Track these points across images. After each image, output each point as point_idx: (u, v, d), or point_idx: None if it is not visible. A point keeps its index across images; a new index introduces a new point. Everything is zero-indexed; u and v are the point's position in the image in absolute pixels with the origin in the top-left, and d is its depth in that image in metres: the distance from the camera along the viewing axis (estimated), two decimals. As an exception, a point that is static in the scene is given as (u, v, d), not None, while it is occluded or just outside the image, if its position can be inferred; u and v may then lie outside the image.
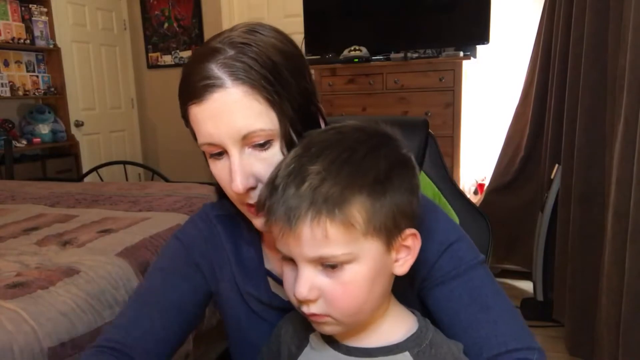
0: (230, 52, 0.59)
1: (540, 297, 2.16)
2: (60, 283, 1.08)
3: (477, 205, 1.40)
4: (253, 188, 0.61)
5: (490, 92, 2.97)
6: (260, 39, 0.60)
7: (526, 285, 2.45)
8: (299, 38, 3.04)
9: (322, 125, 0.69)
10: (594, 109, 1.75)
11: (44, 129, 3.52)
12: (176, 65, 4.16)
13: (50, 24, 3.59)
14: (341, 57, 2.83)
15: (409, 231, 0.55)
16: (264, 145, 0.60)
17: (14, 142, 3.19)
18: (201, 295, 0.75)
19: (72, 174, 3.60)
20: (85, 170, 3.58)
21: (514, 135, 2.53)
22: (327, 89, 2.86)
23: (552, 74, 2.12)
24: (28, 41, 3.44)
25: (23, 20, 3.43)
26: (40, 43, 3.52)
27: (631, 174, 1.40)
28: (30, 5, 3.45)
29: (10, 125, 3.38)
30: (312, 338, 0.61)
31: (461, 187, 2.58)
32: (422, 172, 1.05)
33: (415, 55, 2.74)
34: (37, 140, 3.45)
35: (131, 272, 1.22)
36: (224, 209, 0.75)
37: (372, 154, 0.53)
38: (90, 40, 3.98)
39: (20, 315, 0.95)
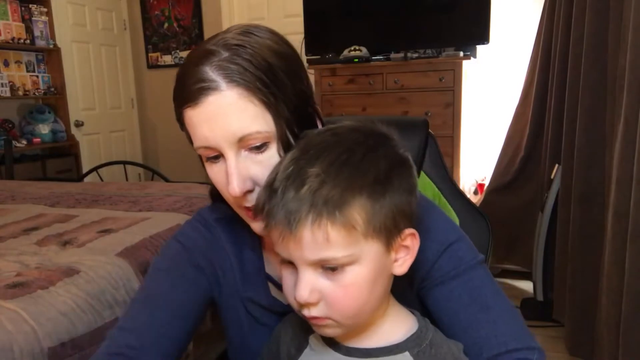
0: (225, 54, 0.58)
1: (540, 297, 2.16)
2: (60, 283, 1.08)
3: (477, 205, 1.40)
4: (250, 191, 0.61)
5: (490, 92, 2.97)
6: (255, 40, 0.60)
7: (526, 285, 2.45)
8: (299, 38, 3.04)
9: (319, 126, 0.68)
10: (594, 109, 1.75)
11: (44, 129, 3.52)
12: (176, 65, 4.16)
13: (50, 24, 3.59)
14: (341, 57, 2.83)
15: (408, 231, 0.55)
16: (260, 148, 0.60)
17: (14, 142, 3.19)
18: (205, 297, 0.73)
19: (72, 174, 3.60)
20: (85, 170, 3.58)
21: (514, 135, 2.53)
22: (327, 89, 2.86)
23: (552, 74, 2.12)
24: (28, 41, 3.44)
25: (23, 20, 3.43)
26: (40, 43, 3.52)
27: (631, 174, 1.40)
28: (30, 5, 3.45)
29: (10, 125, 3.38)
30: (312, 339, 0.61)
31: (461, 187, 2.58)
32: (422, 172, 1.05)
33: (415, 55, 2.74)
34: (37, 140, 3.45)
35: (131, 272, 1.22)
36: (222, 212, 0.74)
37: (370, 154, 0.53)
38: (90, 40, 3.98)
39: (20, 315, 0.95)
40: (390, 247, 0.54)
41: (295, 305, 0.55)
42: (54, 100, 3.68)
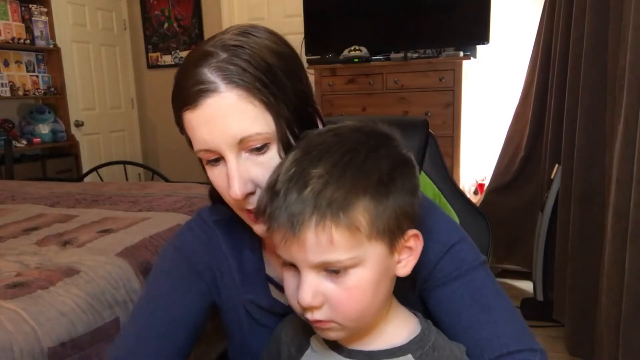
0: (223, 55, 0.57)
1: (540, 297, 2.16)
2: (60, 283, 1.08)
3: (477, 205, 1.40)
4: (252, 193, 0.60)
5: (490, 92, 2.97)
6: (254, 40, 0.59)
7: (526, 285, 2.45)
8: (299, 38, 3.04)
9: (320, 126, 0.67)
10: (594, 109, 1.75)
11: (44, 129, 3.52)
12: (176, 65, 4.16)
13: (50, 24, 3.59)
14: (341, 57, 2.83)
15: (411, 232, 0.54)
16: (261, 149, 0.59)
17: (14, 142, 3.19)
18: (205, 304, 0.73)
19: (72, 174, 3.60)
20: (85, 170, 3.58)
21: (514, 135, 2.53)
22: (327, 89, 2.86)
23: (552, 74, 2.12)
24: (28, 41, 3.44)
25: (23, 20, 3.43)
26: (40, 43, 3.52)
27: (631, 174, 1.40)
28: (30, 5, 3.45)
29: (10, 125, 3.38)
30: (313, 341, 0.61)
31: (461, 187, 2.58)
32: (422, 172, 1.05)
33: (415, 55, 2.74)
34: (37, 140, 3.45)
35: (131, 272, 1.22)
36: (221, 214, 0.73)
37: (373, 154, 0.52)
38: (90, 40, 3.98)
39: (20, 315, 0.95)
40: (394, 249, 0.53)
41: (297, 309, 0.54)
42: (54, 100, 3.68)
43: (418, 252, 0.56)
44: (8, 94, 3.32)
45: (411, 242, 0.55)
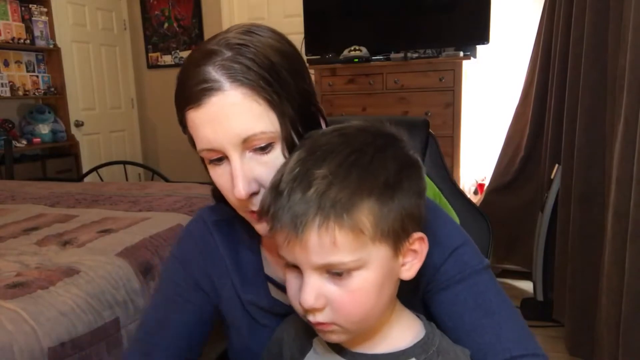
0: (227, 54, 0.57)
1: (540, 297, 2.16)
2: (60, 283, 1.08)
3: (477, 205, 1.40)
4: (255, 193, 0.59)
5: (490, 92, 2.97)
6: (257, 39, 0.59)
7: (526, 285, 2.45)
8: (299, 38, 3.04)
9: (323, 125, 0.67)
10: (594, 109, 1.75)
11: (44, 129, 3.52)
12: (176, 65, 4.16)
13: (50, 24, 3.59)
14: (341, 57, 2.83)
15: (417, 235, 0.54)
16: (265, 149, 0.58)
17: (14, 142, 3.19)
18: (207, 314, 0.75)
19: (72, 174, 3.60)
20: (85, 170, 3.58)
21: (514, 135, 2.53)
22: (327, 89, 2.86)
23: (552, 74, 2.12)
24: (28, 41, 3.44)
25: (23, 20, 3.43)
26: (40, 43, 3.52)
27: (631, 174, 1.40)
28: (30, 5, 3.45)
29: (10, 125, 3.38)
30: (316, 343, 0.60)
31: (461, 187, 2.58)
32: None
33: (415, 55, 2.74)
34: (37, 140, 3.45)
35: (131, 272, 1.22)
36: (222, 213, 0.73)
37: (379, 155, 0.51)
38: (90, 40, 3.98)
39: (20, 315, 0.95)
40: (398, 252, 0.52)
41: (299, 311, 0.53)
42: (54, 100, 3.68)
43: (423, 256, 0.55)
44: (8, 94, 3.32)
45: (416, 245, 0.54)
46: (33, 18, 3.47)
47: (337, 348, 0.57)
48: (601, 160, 1.72)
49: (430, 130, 1.10)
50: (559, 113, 2.02)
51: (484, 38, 2.71)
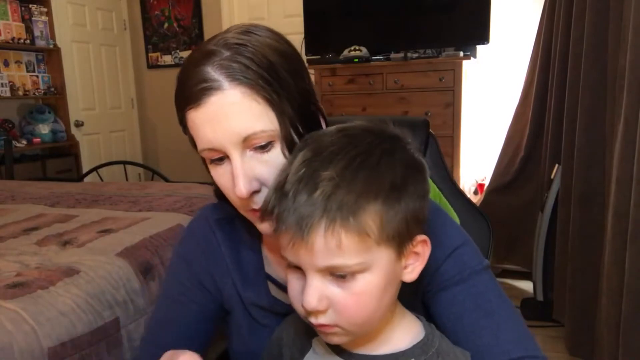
0: (226, 54, 0.57)
1: (540, 297, 2.16)
2: (60, 283, 1.08)
3: (477, 205, 1.40)
4: (257, 192, 0.60)
5: (490, 92, 2.97)
6: (256, 39, 0.59)
7: (526, 285, 2.45)
8: (299, 38, 3.04)
9: (323, 124, 0.67)
10: (594, 109, 1.75)
11: (44, 129, 3.52)
12: (176, 65, 4.17)
13: (50, 24, 3.59)
14: (341, 57, 2.83)
15: (420, 237, 0.54)
16: (265, 147, 0.59)
17: (14, 142, 3.19)
18: (211, 312, 0.75)
19: (72, 174, 3.60)
20: (85, 170, 3.58)
21: (514, 135, 2.54)
22: (327, 89, 2.86)
23: (552, 74, 2.12)
24: (28, 41, 3.44)
25: (23, 20, 3.43)
26: (40, 43, 3.52)
27: (631, 174, 1.40)
28: (30, 5, 3.45)
29: (10, 125, 3.38)
30: (316, 343, 0.60)
31: (461, 187, 2.58)
32: (423, 172, 1.04)
33: (415, 55, 2.74)
34: (37, 140, 3.45)
35: (131, 272, 1.22)
36: (224, 212, 0.73)
37: (386, 157, 0.51)
38: (90, 40, 3.98)
39: (20, 315, 0.95)
40: (402, 254, 0.52)
41: (301, 312, 0.53)
42: (54, 100, 3.68)
43: (425, 258, 0.55)
44: (8, 94, 3.32)
45: (419, 248, 0.54)
46: (33, 18, 3.47)
47: (336, 349, 0.57)
48: (601, 160, 1.72)
49: (430, 130, 1.10)
50: (559, 113, 2.02)
51: (484, 38, 2.71)
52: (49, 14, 3.57)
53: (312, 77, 2.74)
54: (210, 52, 0.58)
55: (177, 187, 2.07)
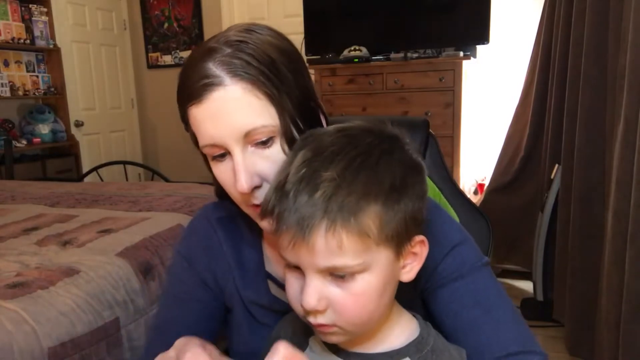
0: (227, 50, 0.58)
1: (540, 297, 2.16)
2: (60, 283, 1.08)
3: (477, 205, 1.40)
4: (258, 187, 0.60)
5: (490, 92, 2.97)
6: (257, 37, 0.60)
7: (526, 285, 2.45)
8: (299, 38, 3.04)
9: (323, 121, 0.68)
10: (594, 108, 1.75)
11: (44, 129, 3.52)
12: (176, 65, 4.17)
13: (50, 24, 3.59)
14: (341, 57, 2.83)
15: (418, 238, 0.54)
16: (266, 143, 0.59)
17: (14, 142, 3.19)
18: (215, 310, 0.75)
19: (72, 174, 3.60)
20: (85, 170, 3.58)
21: (514, 135, 2.54)
22: (327, 89, 2.86)
23: (552, 74, 2.12)
24: (28, 41, 3.44)
25: (23, 20, 3.43)
26: (40, 43, 3.52)
27: (631, 174, 1.40)
28: (30, 5, 3.45)
29: (10, 125, 3.38)
30: (312, 341, 0.60)
31: (461, 187, 2.58)
32: (423, 173, 1.04)
33: (415, 55, 2.74)
34: (37, 140, 3.45)
35: (131, 272, 1.22)
36: (225, 211, 0.74)
37: (386, 158, 0.51)
38: (90, 40, 3.98)
39: (20, 315, 0.95)
40: (400, 254, 0.53)
41: (300, 312, 0.53)
42: (54, 100, 3.68)
43: (423, 258, 0.55)
44: (8, 94, 3.32)
45: (417, 248, 0.54)
46: (33, 18, 3.47)
47: (333, 348, 0.57)
48: (601, 160, 1.72)
49: (430, 130, 1.10)
50: (559, 113, 2.02)
51: (484, 38, 2.71)
52: (49, 14, 3.57)
53: (312, 77, 2.75)
54: (211, 49, 0.59)
55: (177, 187, 2.07)
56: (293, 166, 0.52)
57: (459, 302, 0.63)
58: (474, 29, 2.72)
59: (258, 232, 0.71)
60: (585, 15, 1.76)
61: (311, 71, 2.83)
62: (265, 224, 0.62)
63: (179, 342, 0.55)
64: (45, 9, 3.55)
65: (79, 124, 3.85)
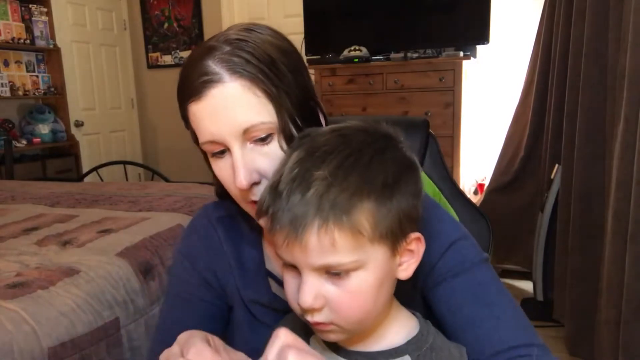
0: (227, 48, 0.59)
1: (540, 297, 2.16)
2: (60, 283, 1.08)
3: (477, 205, 1.40)
4: (257, 183, 0.61)
5: (490, 92, 2.97)
6: (257, 36, 0.61)
7: (526, 285, 2.45)
8: (299, 38, 3.04)
9: (322, 120, 0.68)
10: (594, 108, 1.75)
11: (44, 129, 3.52)
12: (176, 65, 4.17)
13: (50, 24, 3.59)
14: (341, 57, 2.83)
15: (414, 235, 0.54)
16: (265, 140, 0.60)
17: (14, 142, 3.19)
18: (218, 309, 0.74)
19: (72, 174, 3.60)
20: (85, 170, 3.58)
21: (514, 135, 2.54)
22: (327, 89, 2.86)
23: (552, 74, 2.12)
24: (28, 41, 3.44)
25: (23, 20, 3.43)
26: (40, 43, 3.52)
27: (631, 174, 1.40)
28: (30, 5, 3.46)
29: (10, 125, 3.38)
30: (313, 341, 0.60)
31: (461, 187, 2.58)
32: (422, 172, 1.05)
33: (415, 55, 2.74)
34: (37, 140, 3.45)
35: (131, 272, 1.22)
36: (226, 210, 0.74)
37: (378, 157, 0.51)
38: (90, 40, 3.98)
39: (20, 315, 0.95)
40: (396, 252, 0.53)
41: (297, 310, 0.53)
42: (54, 100, 3.69)
43: (420, 255, 0.56)
44: (8, 94, 3.32)
45: (413, 245, 0.55)
46: (33, 18, 3.47)
47: (333, 346, 0.58)
48: (601, 160, 1.72)
49: (430, 130, 1.10)
50: (559, 113, 2.02)
51: (484, 38, 2.71)
52: (49, 14, 3.57)
53: (312, 77, 2.75)
54: (211, 47, 0.60)
55: (177, 187, 2.07)
56: (287, 166, 0.52)
57: (459, 298, 0.63)
58: (474, 29, 2.72)
59: (258, 230, 0.72)
60: (585, 15, 1.76)
61: (311, 71, 2.83)
62: (262, 222, 0.63)
63: (182, 337, 0.55)
64: (45, 9, 3.55)
65: (79, 124, 3.85)
